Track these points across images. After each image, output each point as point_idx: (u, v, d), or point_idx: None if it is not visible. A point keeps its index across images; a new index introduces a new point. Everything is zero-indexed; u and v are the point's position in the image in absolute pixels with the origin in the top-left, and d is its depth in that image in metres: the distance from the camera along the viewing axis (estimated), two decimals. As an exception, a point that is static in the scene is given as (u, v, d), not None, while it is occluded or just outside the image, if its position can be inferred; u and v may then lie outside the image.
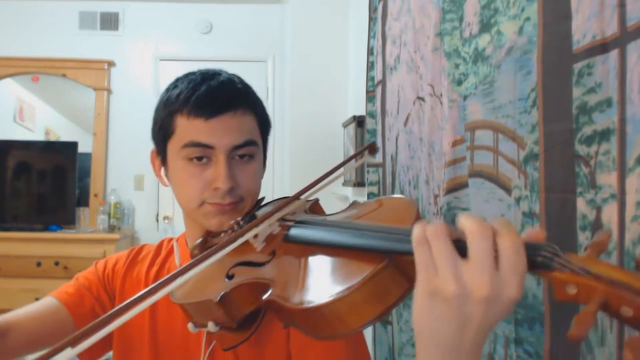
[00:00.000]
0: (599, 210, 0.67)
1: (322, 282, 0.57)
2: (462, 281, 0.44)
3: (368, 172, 1.89)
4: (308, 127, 3.11)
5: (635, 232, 0.61)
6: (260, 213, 0.83)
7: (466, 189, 1.06)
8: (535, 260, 0.45)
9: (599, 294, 0.41)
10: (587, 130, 0.69)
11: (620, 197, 0.63)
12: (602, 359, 0.65)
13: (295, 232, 0.68)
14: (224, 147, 0.79)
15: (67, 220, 3.50)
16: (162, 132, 0.83)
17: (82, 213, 3.61)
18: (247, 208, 0.83)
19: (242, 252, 0.71)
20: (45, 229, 3.38)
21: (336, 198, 2.91)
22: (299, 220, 0.70)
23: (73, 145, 3.58)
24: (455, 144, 1.12)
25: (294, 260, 0.64)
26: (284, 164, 3.41)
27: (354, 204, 0.76)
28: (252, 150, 0.82)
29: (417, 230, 0.47)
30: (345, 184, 2.61)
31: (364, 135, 2.30)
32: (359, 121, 2.46)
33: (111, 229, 3.52)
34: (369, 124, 1.95)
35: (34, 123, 3.85)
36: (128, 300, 0.54)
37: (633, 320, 0.40)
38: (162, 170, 0.88)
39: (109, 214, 3.55)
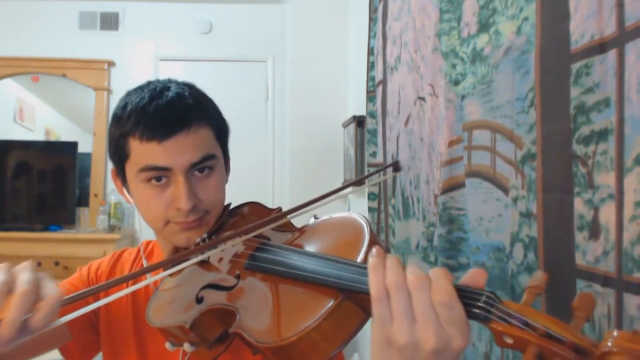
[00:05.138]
0: (596, 210, 0.67)
1: (283, 318, 0.60)
2: (414, 334, 0.47)
3: (368, 171, 1.89)
4: (308, 127, 3.11)
5: (633, 233, 0.61)
6: (228, 224, 0.86)
7: (463, 188, 1.06)
8: (471, 311, 0.47)
9: (533, 345, 0.43)
10: (585, 130, 0.69)
11: (618, 197, 0.63)
12: None
13: (256, 262, 0.70)
14: (181, 167, 0.78)
15: (67, 220, 3.50)
16: (117, 154, 0.84)
17: (82, 213, 3.61)
18: (213, 220, 0.84)
19: (210, 272, 0.75)
20: (45, 229, 3.38)
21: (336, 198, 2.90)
22: (259, 247, 0.72)
23: (73, 145, 3.58)
24: (451, 144, 1.12)
25: (257, 285, 0.67)
26: (284, 164, 3.40)
27: (316, 220, 0.77)
28: (211, 163, 0.82)
29: (376, 281, 0.49)
30: (345, 183, 2.61)
31: (364, 135, 2.29)
32: (359, 121, 2.46)
33: (111, 229, 3.52)
34: (369, 124, 1.95)
35: (34, 123, 3.86)
36: (108, 281, 0.64)
37: None
38: (125, 189, 0.88)
39: (109, 214, 3.54)
